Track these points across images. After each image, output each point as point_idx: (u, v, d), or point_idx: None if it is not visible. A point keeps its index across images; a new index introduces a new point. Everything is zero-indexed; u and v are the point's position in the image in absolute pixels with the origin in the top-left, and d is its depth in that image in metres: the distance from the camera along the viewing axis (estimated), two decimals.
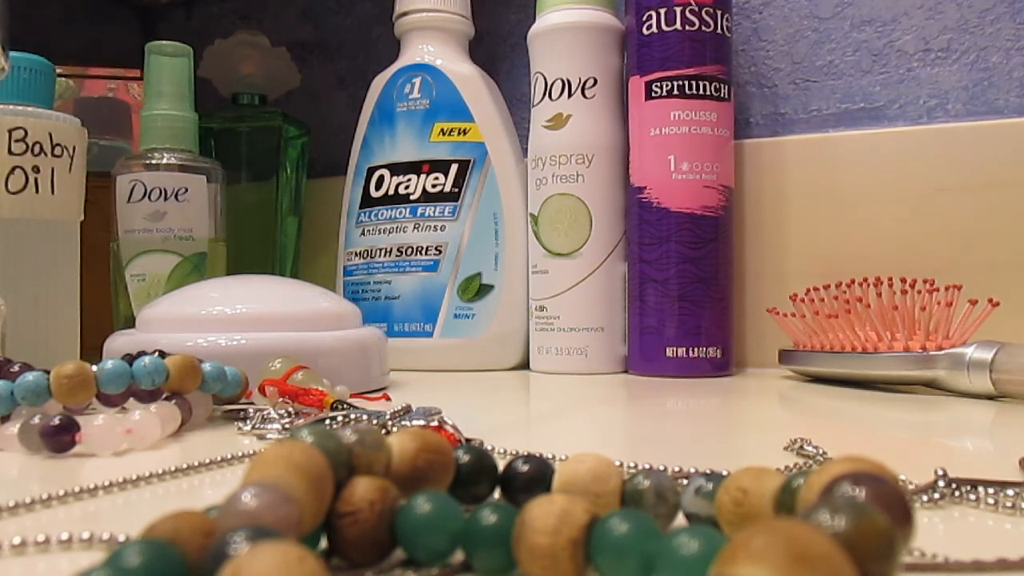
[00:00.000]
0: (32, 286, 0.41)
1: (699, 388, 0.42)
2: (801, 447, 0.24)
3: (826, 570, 0.09)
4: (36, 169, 0.40)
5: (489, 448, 0.25)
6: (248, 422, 0.29)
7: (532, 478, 0.17)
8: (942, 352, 0.37)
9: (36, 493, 0.19)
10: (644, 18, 0.48)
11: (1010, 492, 0.18)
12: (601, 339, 0.50)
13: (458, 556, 0.15)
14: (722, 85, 0.48)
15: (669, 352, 0.47)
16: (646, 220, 0.48)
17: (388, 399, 0.37)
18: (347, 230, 0.57)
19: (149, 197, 0.50)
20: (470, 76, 0.54)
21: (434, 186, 0.53)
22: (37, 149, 0.40)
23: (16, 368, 0.30)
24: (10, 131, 0.40)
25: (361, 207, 0.56)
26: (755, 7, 0.55)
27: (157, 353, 0.29)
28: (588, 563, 0.13)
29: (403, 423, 0.27)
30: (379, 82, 0.56)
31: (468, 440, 0.25)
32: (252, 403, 0.32)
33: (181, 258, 0.50)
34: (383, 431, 0.26)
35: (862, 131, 0.52)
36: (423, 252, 0.53)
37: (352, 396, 0.37)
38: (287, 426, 0.29)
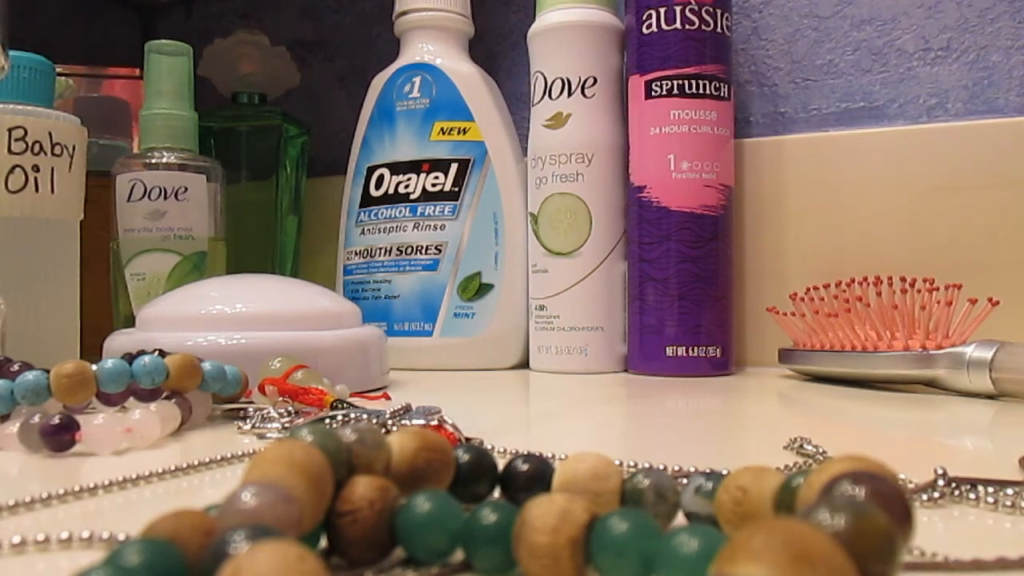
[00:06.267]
0: (32, 285, 0.41)
1: (699, 387, 0.42)
2: (801, 446, 0.24)
3: (826, 569, 0.09)
4: (36, 168, 0.40)
5: (489, 447, 0.25)
6: (248, 421, 0.29)
7: (532, 477, 0.17)
8: (942, 351, 0.37)
9: (36, 492, 0.19)
10: (644, 17, 0.48)
11: (1010, 491, 0.18)
12: (601, 338, 0.50)
13: (458, 555, 0.15)
14: (722, 84, 0.48)
15: (669, 351, 0.47)
16: (646, 219, 0.48)
17: (388, 398, 0.37)
18: (347, 229, 0.57)
19: (149, 196, 0.49)
20: (470, 75, 0.54)
21: (434, 185, 0.53)
22: (37, 148, 0.40)
23: (16, 367, 0.30)
24: (10, 130, 0.40)
25: (361, 206, 0.56)
26: (755, 6, 0.55)
27: (157, 352, 0.29)
28: (588, 562, 0.13)
29: (403, 422, 0.27)
30: (379, 81, 0.56)
31: (468, 439, 0.25)
32: (252, 402, 0.32)
33: (181, 257, 0.50)
34: (383, 430, 0.26)
35: (862, 130, 0.52)
36: (423, 251, 0.53)
37: (352, 395, 0.36)
38: (287, 425, 0.29)
